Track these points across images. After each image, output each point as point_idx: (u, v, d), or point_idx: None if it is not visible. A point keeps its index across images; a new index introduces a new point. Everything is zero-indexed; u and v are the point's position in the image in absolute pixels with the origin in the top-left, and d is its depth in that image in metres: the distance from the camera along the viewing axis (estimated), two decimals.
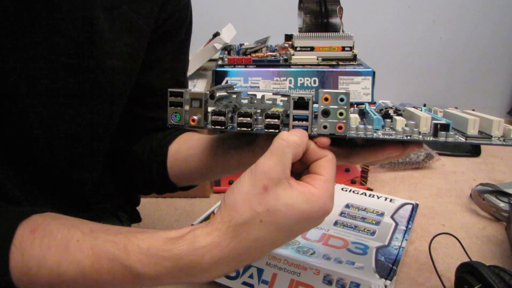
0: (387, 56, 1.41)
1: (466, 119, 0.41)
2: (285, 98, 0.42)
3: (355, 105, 0.55)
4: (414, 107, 0.48)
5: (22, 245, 0.38)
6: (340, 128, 0.40)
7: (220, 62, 0.91)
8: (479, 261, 0.61)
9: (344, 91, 0.39)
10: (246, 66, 0.88)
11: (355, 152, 0.47)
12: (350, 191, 0.79)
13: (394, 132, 0.42)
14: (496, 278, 0.56)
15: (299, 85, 0.87)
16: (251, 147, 0.52)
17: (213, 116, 0.42)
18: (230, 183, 0.96)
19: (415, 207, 0.75)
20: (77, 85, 0.50)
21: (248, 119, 0.42)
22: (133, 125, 0.62)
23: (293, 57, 0.89)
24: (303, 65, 0.89)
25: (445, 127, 0.40)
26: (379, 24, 1.39)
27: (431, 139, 0.40)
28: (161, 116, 0.47)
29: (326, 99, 0.39)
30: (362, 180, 0.94)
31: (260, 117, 0.43)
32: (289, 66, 0.89)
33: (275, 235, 0.38)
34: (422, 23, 1.40)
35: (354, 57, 0.92)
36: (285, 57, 0.91)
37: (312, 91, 0.87)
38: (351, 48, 0.92)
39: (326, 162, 0.40)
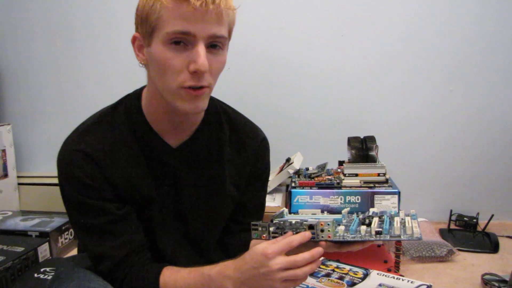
0: (415, 173, 1.80)
1: (393, 225, 0.79)
2: (306, 222, 0.81)
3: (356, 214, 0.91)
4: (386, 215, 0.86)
5: (164, 275, 0.83)
6: (329, 236, 0.78)
7: (292, 184, 1.35)
8: None
9: (329, 221, 0.77)
10: (311, 188, 1.32)
11: (342, 245, 0.83)
12: (383, 275, 1.15)
13: (356, 235, 0.79)
14: None
15: (347, 201, 1.28)
16: None
17: (272, 234, 0.83)
18: None
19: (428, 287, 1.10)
20: (213, 200, 0.95)
21: None
22: (232, 224, 1.05)
23: (343, 181, 1.32)
24: (350, 187, 1.31)
25: (380, 233, 0.77)
26: (408, 150, 1.80)
27: (373, 238, 0.77)
28: (249, 222, 0.89)
29: (321, 224, 0.79)
30: (395, 268, 1.30)
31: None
32: (340, 188, 1.31)
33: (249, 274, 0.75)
34: (445, 147, 1.78)
35: (386, 181, 1.32)
36: (337, 181, 1.34)
37: (349, 208, 1.27)
38: (384, 174, 1.33)
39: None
